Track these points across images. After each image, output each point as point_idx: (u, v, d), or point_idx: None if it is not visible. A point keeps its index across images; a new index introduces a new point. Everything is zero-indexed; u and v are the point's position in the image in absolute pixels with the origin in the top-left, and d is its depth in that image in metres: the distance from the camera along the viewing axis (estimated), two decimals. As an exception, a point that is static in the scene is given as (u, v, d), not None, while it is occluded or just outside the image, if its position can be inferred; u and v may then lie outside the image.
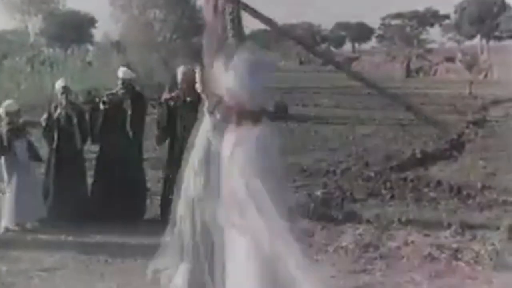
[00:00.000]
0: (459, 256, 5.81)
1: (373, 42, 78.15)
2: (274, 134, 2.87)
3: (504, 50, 43.08)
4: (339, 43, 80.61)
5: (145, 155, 8.10)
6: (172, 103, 7.21)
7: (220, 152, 2.99)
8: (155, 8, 34.32)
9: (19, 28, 46.74)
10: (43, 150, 7.65)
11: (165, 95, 7.43)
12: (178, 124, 7.12)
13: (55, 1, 51.32)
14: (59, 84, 7.55)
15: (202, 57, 3.39)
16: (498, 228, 6.52)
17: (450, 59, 40.49)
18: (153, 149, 9.18)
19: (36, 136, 7.80)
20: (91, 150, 8.31)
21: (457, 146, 12.40)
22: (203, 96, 4.03)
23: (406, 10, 70.20)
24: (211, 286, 2.94)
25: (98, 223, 6.92)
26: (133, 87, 7.63)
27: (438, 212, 7.60)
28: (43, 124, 7.39)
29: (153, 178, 8.51)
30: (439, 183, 8.95)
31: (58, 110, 7.34)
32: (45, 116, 7.39)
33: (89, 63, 26.88)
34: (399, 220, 6.99)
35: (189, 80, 6.64)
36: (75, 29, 48.42)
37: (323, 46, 71.87)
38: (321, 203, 7.76)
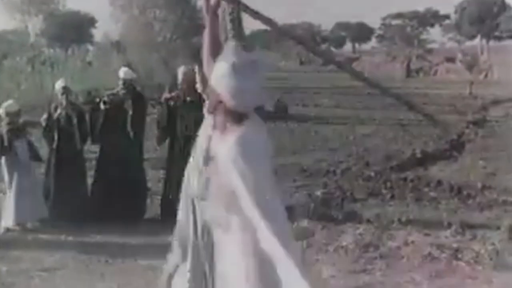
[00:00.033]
0: (459, 256, 5.80)
1: (373, 42, 78.35)
2: (261, 136, 2.84)
3: (504, 50, 43.10)
4: (339, 43, 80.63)
5: (146, 155, 8.09)
6: (172, 103, 7.23)
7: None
8: (155, 8, 34.30)
9: (19, 28, 46.79)
10: (43, 150, 7.65)
11: (165, 95, 7.45)
12: (178, 124, 7.14)
13: (55, 2, 51.44)
14: (59, 84, 7.55)
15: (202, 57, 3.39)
16: (498, 228, 6.52)
17: (451, 59, 40.48)
18: (153, 149, 9.20)
19: (36, 136, 7.82)
20: (91, 150, 8.33)
21: (457, 146, 12.40)
22: (204, 96, 4.05)
23: (407, 10, 70.42)
24: (211, 287, 2.94)
25: (99, 223, 6.92)
26: (134, 87, 7.63)
27: (438, 212, 7.60)
28: (43, 124, 7.39)
29: (154, 178, 8.51)
30: (439, 183, 8.94)
31: (58, 110, 7.34)
32: (45, 116, 7.39)
33: (89, 63, 26.90)
34: (399, 220, 6.99)
35: (190, 80, 6.68)
36: (75, 29, 48.48)
37: (323, 46, 71.82)
38: (321, 203, 7.75)
